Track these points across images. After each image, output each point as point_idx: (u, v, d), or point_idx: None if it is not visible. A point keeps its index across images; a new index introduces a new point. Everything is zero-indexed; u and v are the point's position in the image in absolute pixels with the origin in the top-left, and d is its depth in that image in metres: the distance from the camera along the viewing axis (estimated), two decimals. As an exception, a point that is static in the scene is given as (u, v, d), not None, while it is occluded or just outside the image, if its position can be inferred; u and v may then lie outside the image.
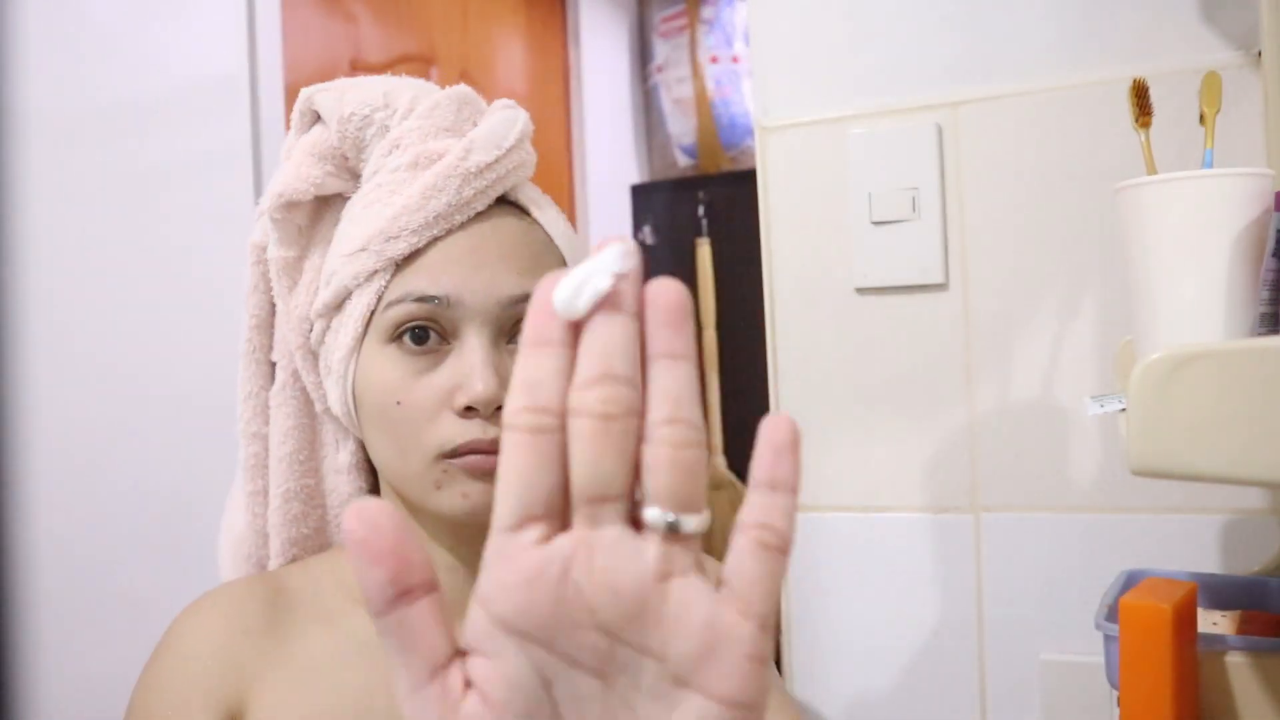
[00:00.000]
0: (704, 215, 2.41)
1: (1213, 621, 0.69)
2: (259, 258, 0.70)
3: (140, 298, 1.38)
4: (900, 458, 0.86)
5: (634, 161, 2.59)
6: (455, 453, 0.62)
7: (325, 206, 0.70)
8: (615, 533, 0.30)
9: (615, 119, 2.53)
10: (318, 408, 0.71)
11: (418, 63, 1.87)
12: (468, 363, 0.62)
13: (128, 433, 1.36)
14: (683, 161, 2.55)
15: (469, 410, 0.61)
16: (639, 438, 0.31)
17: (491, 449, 0.62)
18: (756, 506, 0.32)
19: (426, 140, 0.66)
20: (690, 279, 2.38)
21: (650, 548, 0.30)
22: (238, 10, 1.45)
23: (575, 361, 0.31)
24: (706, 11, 2.51)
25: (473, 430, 0.61)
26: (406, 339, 0.63)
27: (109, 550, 1.34)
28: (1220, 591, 0.72)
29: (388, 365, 0.63)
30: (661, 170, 2.60)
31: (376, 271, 0.64)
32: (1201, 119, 0.63)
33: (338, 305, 0.66)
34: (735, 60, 2.48)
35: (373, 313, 0.64)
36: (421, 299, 0.62)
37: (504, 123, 0.68)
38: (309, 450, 0.72)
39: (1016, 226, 0.82)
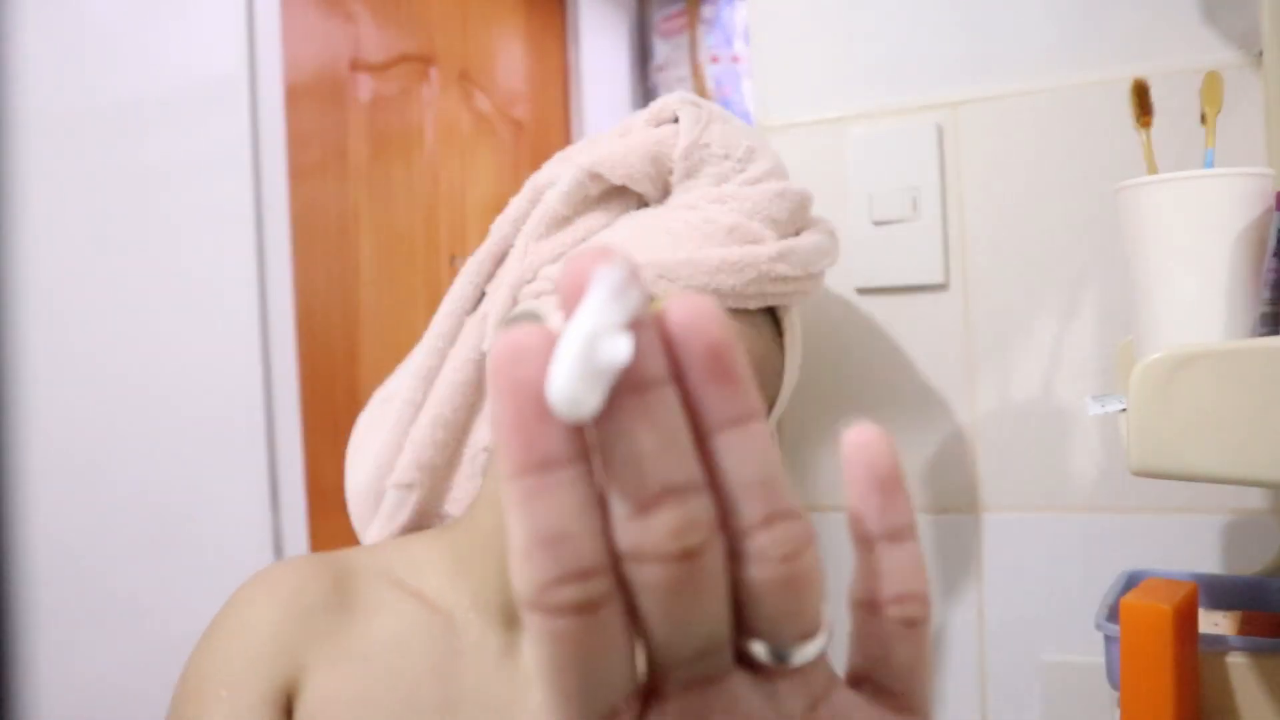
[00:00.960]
0: (704, 215, 2.40)
1: (1214, 622, 0.69)
2: (536, 196, 0.70)
3: (139, 298, 1.38)
4: (900, 458, 0.86)
5: (634, 161, 2.58)
6: None
7: (618, 195, 0.69)
8: (731, 690, 0.23)
9: (615, 119, 2.52)
10: (483, 345, 0.70)
11: (418, 62, 1.87)
12: None
13: (126, 433, 1.36)
14: (683, 161, 2.55)
15: None
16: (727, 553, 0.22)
17: None
18: (884, 573, 0.24)
19: (754, 219, 0.65)
20: (690, 279, 2.37)
21: (782, 689, 0.23)
22: (237, 10, 1.45)
23: (601, 479, 0.21)
24: (706, 11, 2.51)
25: None
26: None
27: (108, 551, 1.34)
28: (1221, 592, 0.72)
29: None
30: (661, 170, 2.60)
31: None
32: (1202, 119, 0.63)
33: None
34: (735, 60, 2.48)
35: None
36: None
37: (821, 249, 0.68)
38: (475, 388, 0.71)
39: (1017, 226, 0.82)
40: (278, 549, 1.46)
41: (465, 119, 2.02)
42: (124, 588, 1.33)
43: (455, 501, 0.72)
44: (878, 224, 0.85)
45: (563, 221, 0.68)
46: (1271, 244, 0.54)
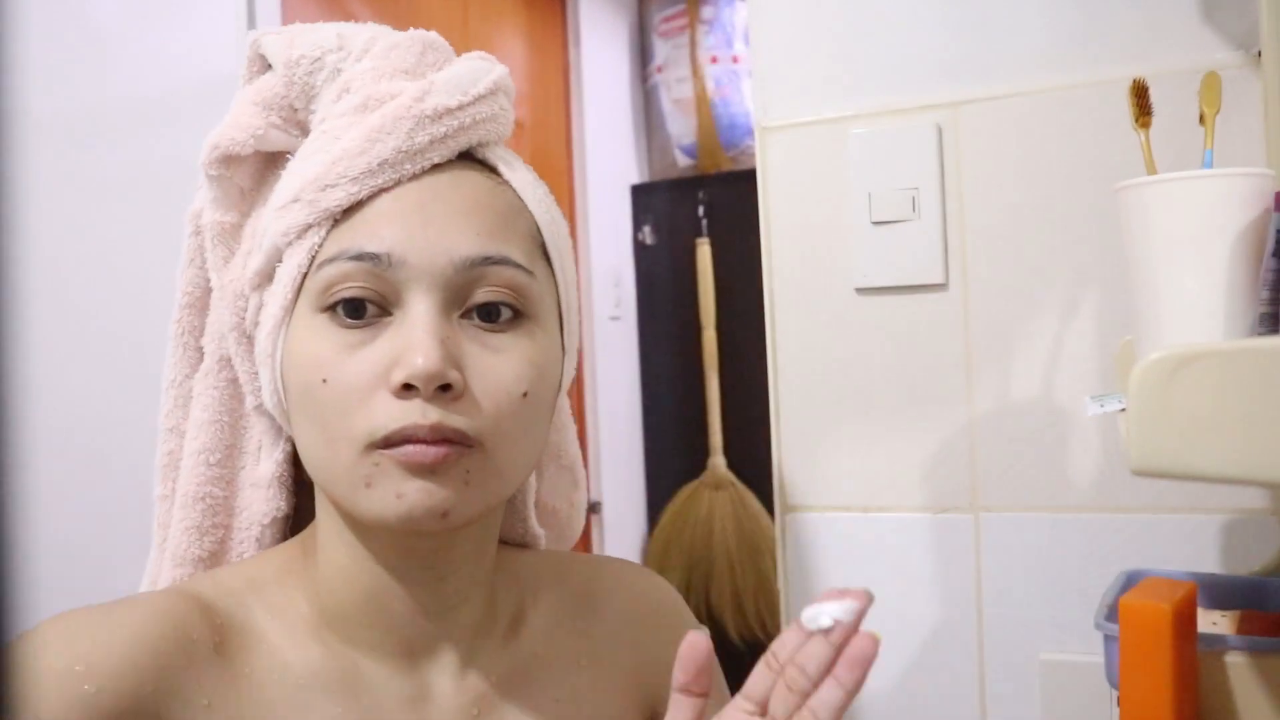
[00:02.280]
0: (704, 215, 2.41)
1: (1212, 621, 0.69)
2: (196, 227, 0.62)
3: (140, 297, 1.38)
4: (900, 458, 0.86)
5: (634, 161, 2.58)
6: (388, 441, 0.51)
7: (271, 166, 0.61)
8: None
9: (615, 119, 2.53)
10: (249, 403, 0.61)
11: (418, 63, 1.87)
12: (409, 333, 0.52)
13: (125, 431, 1.36)
14: (683, 161, 2.55)
15: (406, 389, 0.51)
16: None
17: (432, 438, 0.51)
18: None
19: (380, 81, 0.57)
20: (690, 279, 2.38)
21: None
22: (238, 9, 1.45)
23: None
24: (706, 11, 2.51)
25: (411, 414, 0.51)
26: (340, 309, 0.53)
27: (106, 551, 1.34)
28: (1220, 591, 0.72)
29: (315, 337, 0.53)
30: (661, 170, 2.60)
31: (310, 226, 0.54)
32: (1201, 119, 0.63)
33: (269, 272, 0.57)
34: (735, 60, 2.48)
35: (305, 275, 0.55)
36: (359, 257, 0.52)
37: (474, 70, 0.59)
38: (224, 452, 0.62)
39: (1016, 226, 0.82)
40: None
41: (465, 119, 2.01)
42: (122, 588, 1.33)
43: None
44: (878, 224, 0.85)
45: (234, 230, 0.61)
46: (1271, 244, 0.54)
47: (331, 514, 0.57)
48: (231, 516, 0.63)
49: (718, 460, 2.30)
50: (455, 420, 0.52)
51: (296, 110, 0.60)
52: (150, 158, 1.39)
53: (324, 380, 0.52)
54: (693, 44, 2.51)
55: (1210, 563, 0.78)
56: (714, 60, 2.49)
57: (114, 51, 1.37)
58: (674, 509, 2.30)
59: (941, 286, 0.85)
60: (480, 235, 0.55)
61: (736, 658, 1.54)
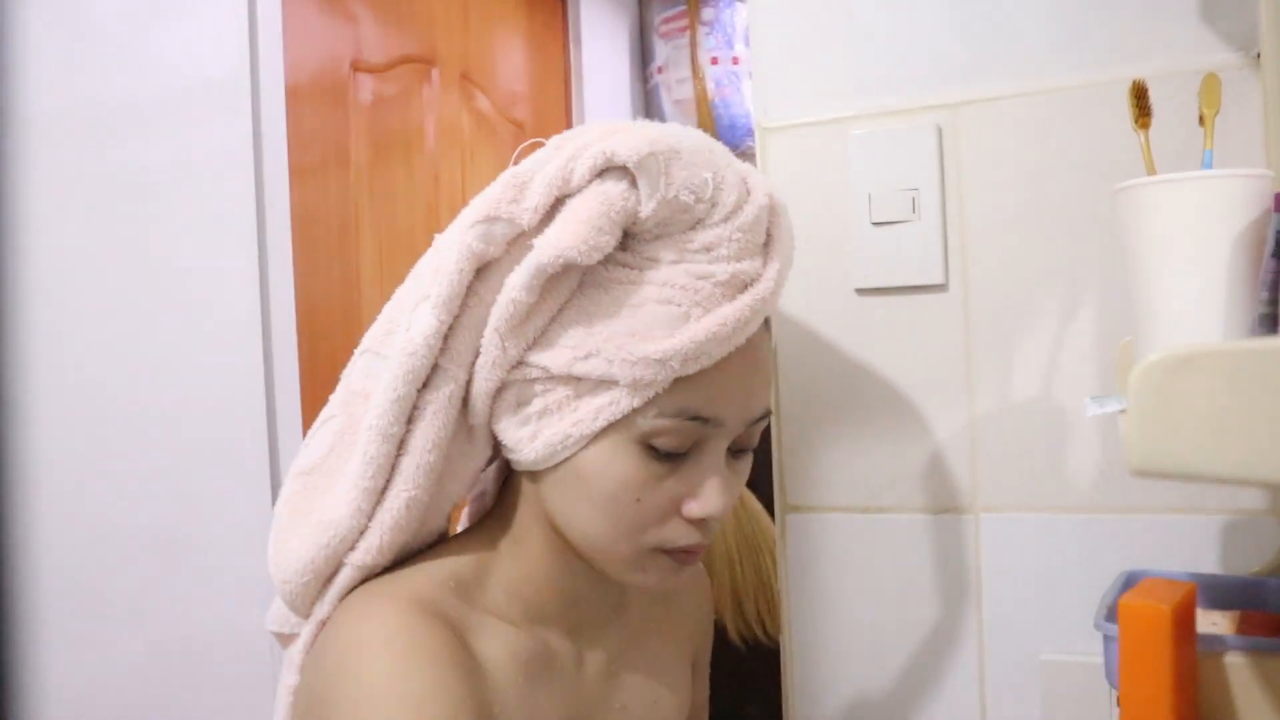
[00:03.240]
0: (704, 216, 2.40)
1: (1212, 622, 0.69)
2: (479, 269, 0.64)
3: (141, 298, 1.38)
4: (900, 458, 0.86)
5: (634, 162, 2.59)
6: (671, 550, 0.66)
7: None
8: None
9: (616, 120, 2.53)
10: (474, 419, 0.67)
11: (419, 64, 1.87)
12: (707, 476, 0.65)
13: (126, 433, 1.36)
14: (683, 162, 2.55)
15: (701, 520, 0.65)
16: None
17: (700, 546, 0.67)
18: None
19: (742, 259, 0.64)
20: (690, 280, 2.38)
21: None
22: (239, 11, 1.45)
23: None
24: (707, 13, 2.51)
25: (695, 535, 0.66)
26: (660, 448, 0.63)
27: (109, 555, 1.34)
28: (1220, 592, 0.72)
29: (634, 465, 0.63)
30: (662, 171, 2.60)
31: (659, 380, 0.62)
32: (1201, 120, 0.63)
33: (590, 383, 0.63)
34: (735, 61, 2.48)
35: (634, 410, 0.63)
36: (696, 418, 0.63)
37: (792, 241, 0.69)
38: (445, 462, 0.68)
39: (1016, 227, 0.83)
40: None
41: (466, 120, 2.02)
42: (125, 593, 1.34)
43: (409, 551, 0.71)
44: (877, 224, 0.85)
45: (531, 310, 0.64)
46: (1270, 245, 0.54)
47: (554, 542, 0.69)
48: (434, 511, 0.70)
49: (718, 461, 2.29)
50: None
51: (633, 228, 0.64)
52: (150, 158, 1.39)
53: (638, 500, 0.64)
54: (693, 45, 2.51)
55: (1210, 563, 0.78)
56: (714, 61, 2.49)
57: (114, 51, 1.37)
58: (674, 509, 2.30)
59: (941, 287, 0.85)
60: (764, 391, 0.67)
61: (737, 658, 1.54)
